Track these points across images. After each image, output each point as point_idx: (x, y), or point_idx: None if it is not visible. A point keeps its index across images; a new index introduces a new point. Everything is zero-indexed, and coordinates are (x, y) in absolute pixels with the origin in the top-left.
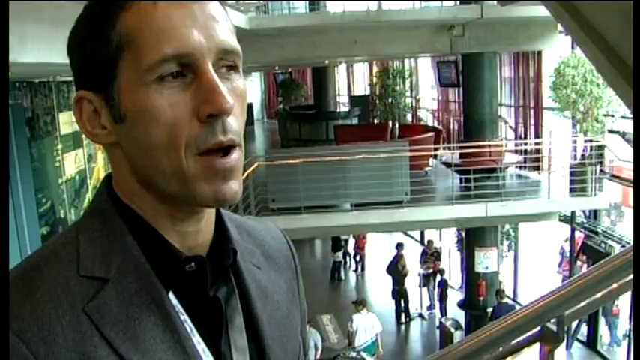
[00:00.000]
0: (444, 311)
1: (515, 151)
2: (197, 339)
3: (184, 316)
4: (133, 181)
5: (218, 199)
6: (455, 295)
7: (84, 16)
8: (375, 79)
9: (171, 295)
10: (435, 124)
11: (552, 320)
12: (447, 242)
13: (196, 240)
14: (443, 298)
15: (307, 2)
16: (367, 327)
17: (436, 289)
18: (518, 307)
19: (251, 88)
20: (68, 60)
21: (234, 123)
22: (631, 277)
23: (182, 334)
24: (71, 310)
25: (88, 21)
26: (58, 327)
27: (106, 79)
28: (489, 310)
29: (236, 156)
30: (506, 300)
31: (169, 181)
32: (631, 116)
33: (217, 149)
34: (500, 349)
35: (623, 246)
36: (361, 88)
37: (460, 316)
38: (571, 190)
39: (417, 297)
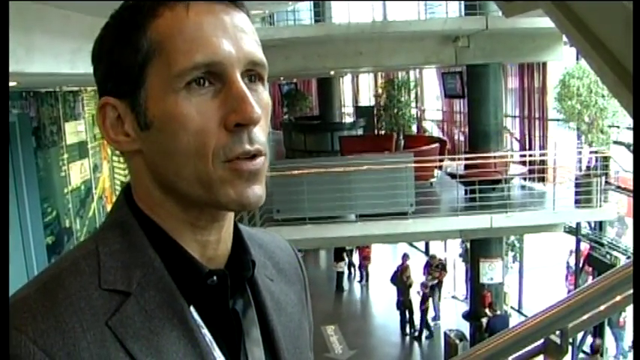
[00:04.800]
0: (420, 329)
1: (521, 162)
2: (217, 353)
3: (205, 330)
4: (154, 189)
5: (242, 203)
6: (460, 307)
7: (112, 23)
8: (380, 90)
9: (192, 309)
10: (440, 135)
11: (556, 333)
12: (452, 253)
13: (217, 250)
14: (423, 313)
15: (312, 13)
16: None
17: (441, 300)
18: (515, 318)
19: None
20: (92, 67)
21: (260, 133)
22: None
23: (204, 348)
24: (95, 325)
25: (116, 28)
26: (83, 342)
27: (134, 86)
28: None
29: (261, 161)
30: (499, 312)
31: (193, 186)
32: None
33: (244, 157)
34: None
35: (628, 257)
36: (366, 99)
37: (465, 327)
38: (576, 202)
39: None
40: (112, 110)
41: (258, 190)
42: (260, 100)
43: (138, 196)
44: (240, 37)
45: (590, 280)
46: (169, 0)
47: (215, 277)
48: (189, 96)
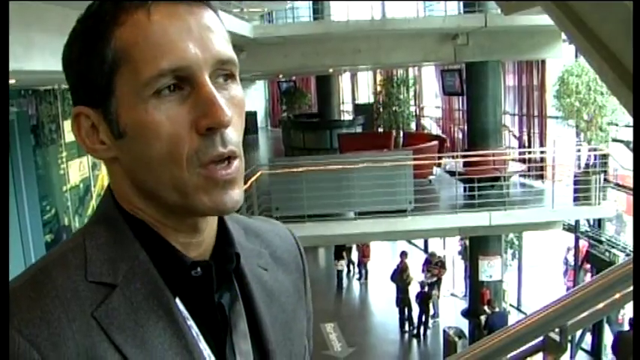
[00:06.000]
0: (425, 329)
1: (519, 160)
2: (203, 345)
3: (191, 322)
4: (133, 194)
5: (219, 209)
6: (459, 304)
7: (77, 31)
8: (378, 88)
9: (177, 301)
10: (439, 133)
11: (555, 330)
12: (451, 251)
13: (198, 250)
14: (423, 312)
15: (311, 10)
16: None
17: (440, 297)
18: (514, 315)
19: (255, 96)
20: (64, 75)
21: (233, 134)
22: None
23: (189, 340)
24: (81, 315)
25: (81, 37)
26: (68, 332)
27: (103, 96)
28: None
29: (237, 165)
30: (498, 309)
31: (170, 192)
32: None
33: (218, 160)
34: (504, 359)
35: (627, 255)
36: (365, 97)
37: (464, 324)
38: (575, 199)
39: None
40: (85, 119)
41: (235, 195)
42: (232, 97)
43: (119, 199)
44: (206, 38)
45: (588, 277)
46: (131, 6)
47: (199, 269)
48: (159, 103)
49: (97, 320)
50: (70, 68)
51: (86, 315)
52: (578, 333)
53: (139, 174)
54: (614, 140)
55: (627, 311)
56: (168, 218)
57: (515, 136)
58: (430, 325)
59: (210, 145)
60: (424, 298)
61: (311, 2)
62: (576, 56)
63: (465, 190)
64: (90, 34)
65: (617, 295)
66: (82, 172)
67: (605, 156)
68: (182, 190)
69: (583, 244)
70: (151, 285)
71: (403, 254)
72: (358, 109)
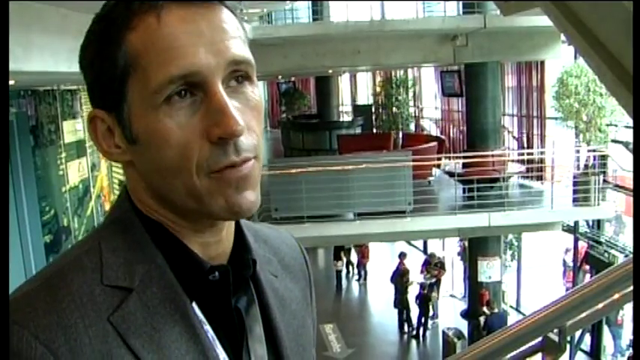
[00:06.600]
0: (424, 330)
1: (519, 161)
2: (219, 349)
3: (207, 327)
4: (149, 198)
5: (234, 212)
6: (458, 305)
7: (92, 32)
8: (378, 89)
9: (194, 305)
10: (438, 134)
11: (554, 331)
12: (450, 252)
13: (217, 250)
14: (423, 314)
15: (311, 11)
16: None
17: (440, 298)
18: (513, 316)
19: None
20: (82, 75)
21: (248, 140)
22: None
23: (206, 345)
24: (97, 320)
25: (95, 39)
26: (85, 337)
27: (116, 100)
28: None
29: (250, 165)
30: (497, 310)
31: (184, 199)
32: None
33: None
34: (503, 359)
35: (626, 256)
36: (364, 98)
37: (463, 325)
38: (574, 200)
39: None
40: (101, 122)
41: (250, 196)
42: (248, 100)
43: (136, 201)
44: (219, 40)
45: (587, 278)
46: (141, 9)
47: (217, 273)
48: (170, 110)
49: (114, 325)
50: (86, 71)
51: (102, 320)
52: (578, 334)
53: (153, 179)
54: (613, 141)
55: (627, 312)
56: (186, 219)
57: (514, 137)
58: (429, 326)
59: (222, 153)
60: (423, 299)
61: (310, 3)
62: (575, 57)
63: (464, 191)
64: (102, 37)
65: (617, 296)
66: (82, 173)
67: (604, 157)
68: (197, 196)
69: (582, 244)
70: (167, 289)
71: (402, 255)
72: (357, 110)
